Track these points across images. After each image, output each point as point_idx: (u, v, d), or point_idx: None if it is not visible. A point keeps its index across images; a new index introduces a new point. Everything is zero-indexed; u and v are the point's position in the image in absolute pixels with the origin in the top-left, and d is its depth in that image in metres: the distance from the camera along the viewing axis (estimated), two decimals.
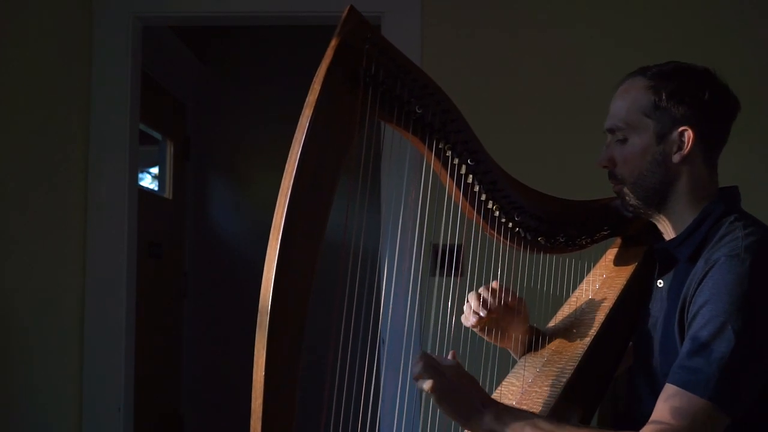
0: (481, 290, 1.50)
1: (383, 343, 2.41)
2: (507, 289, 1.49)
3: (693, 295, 1.22)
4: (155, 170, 3.93)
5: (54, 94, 2.63)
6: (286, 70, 3.79)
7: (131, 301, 2.69)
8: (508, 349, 1.60)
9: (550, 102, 2.61)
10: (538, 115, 2.62)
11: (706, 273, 1.21)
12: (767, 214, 1.40)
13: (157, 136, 3.77)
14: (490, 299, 1.47)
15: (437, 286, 2.32)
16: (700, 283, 1.22)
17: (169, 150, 3.88)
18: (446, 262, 2.44)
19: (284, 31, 4.05)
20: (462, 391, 1.20)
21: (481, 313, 1.47)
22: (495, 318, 1.50)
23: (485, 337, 1.54)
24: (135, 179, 2.75)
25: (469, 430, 1.21)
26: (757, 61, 2.59)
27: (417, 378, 1.19)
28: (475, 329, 1.52)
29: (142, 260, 2.92)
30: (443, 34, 2.65)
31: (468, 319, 1.50)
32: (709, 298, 1.18)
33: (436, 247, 2.48)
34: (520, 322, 1.53)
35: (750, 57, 2.59)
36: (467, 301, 1.51)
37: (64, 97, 2.64)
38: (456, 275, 2.44)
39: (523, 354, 1.55)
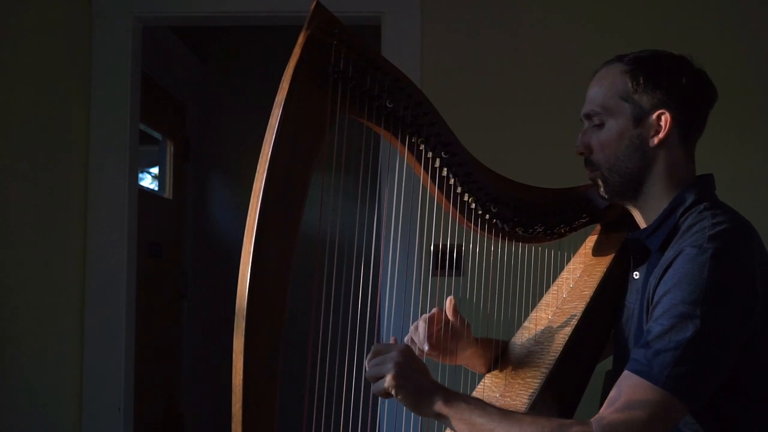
0: (420, 323, 1.44)
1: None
2: (455, 311, 1.45)
3: (656, 286, 1.22)
4: (155, 170, 3.93)
5: (54, 94, 2.63)
6: None
7: (131, 301, 2.69)
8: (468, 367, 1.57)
9: (550, 101, 2.61)
10: (538, 113, 2.62)
11: (671, 263, 1.21)
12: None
13: (157, 136, 3.77)
14: (425, 331, 1.41)
15: (430, 286, 2.31)
16: (663, 274, 1.21)
17: (169, 150, 3.88)
18: (443, 262, 2.43)
19: (284, 31, 4.03)
20: (413, 377, 1.17)
21: (425, 348, 1.41)
22: (442, 342, 1.46)
23: (439, 360, 1.50)
24: (135, 179, 2.75)
25: (418, 414, 1.19)
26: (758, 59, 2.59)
27: (374, 378, 1.16)
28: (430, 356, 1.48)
29: (142, 260, 2.92)
30: (443, 34, 2.65)
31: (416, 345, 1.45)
32: (669, 288, 1.17)
33: (435, 247, 2.48)
34: (467, 344, 1.50)
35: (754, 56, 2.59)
36: (413, 331, 1.44)
37: (64, 97, 2.64)
38: (456, 275, 2.44)
39: (483, 369, 1.54)
